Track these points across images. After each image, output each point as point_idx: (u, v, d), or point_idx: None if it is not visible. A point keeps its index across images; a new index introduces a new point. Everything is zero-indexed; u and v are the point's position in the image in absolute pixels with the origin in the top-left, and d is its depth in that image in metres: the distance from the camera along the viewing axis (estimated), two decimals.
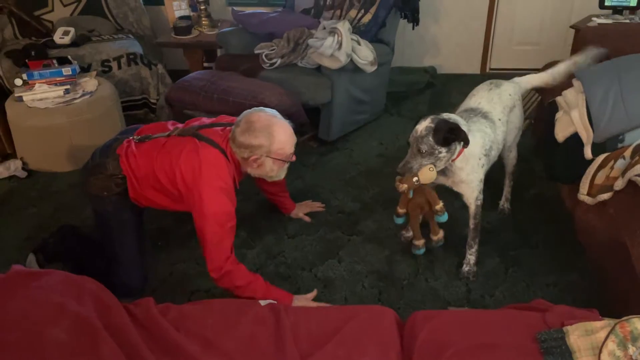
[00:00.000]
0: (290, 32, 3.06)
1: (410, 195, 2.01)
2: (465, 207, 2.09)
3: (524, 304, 1.58)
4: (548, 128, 2.21)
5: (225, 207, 1.81)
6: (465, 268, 2.13)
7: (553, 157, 2.20)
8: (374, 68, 2.97)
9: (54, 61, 3.08)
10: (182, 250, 2.31)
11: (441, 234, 2.14)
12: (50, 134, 2.84)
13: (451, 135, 1.77)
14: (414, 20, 3.34)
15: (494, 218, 2.45)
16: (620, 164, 1.77)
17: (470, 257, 2.12)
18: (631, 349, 1.18)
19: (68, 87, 2.93)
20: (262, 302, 1.55)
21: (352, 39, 2.86)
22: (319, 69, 2.95)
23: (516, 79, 2.24)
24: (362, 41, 2.94)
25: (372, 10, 3.17)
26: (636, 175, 1.65)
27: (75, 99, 2.90)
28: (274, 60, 3.02)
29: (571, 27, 3.32)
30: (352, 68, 2.91)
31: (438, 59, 4.11)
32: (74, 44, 3.34)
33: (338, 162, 2.97)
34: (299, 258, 2.26)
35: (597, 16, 3.25)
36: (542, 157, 2.59)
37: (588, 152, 1.97)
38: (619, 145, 1.92)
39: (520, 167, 2.47)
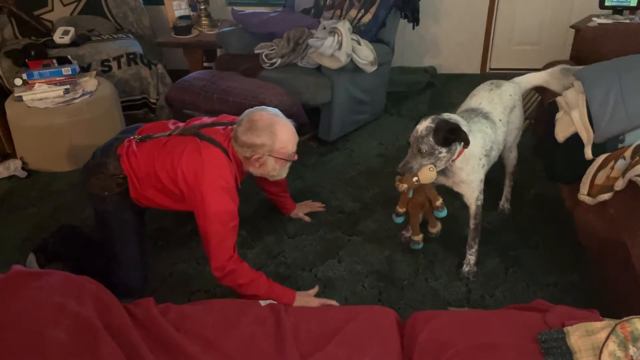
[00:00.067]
0: (290, 32, 3.06)
1: (410, 195, 2.01)
2: (465, 207, 2.09)
3: (524, 304, 1.58)
4: (548, 128, 2.21)
5: (227, 206, 1.81)
6: (466, 268, 2.13)
7: (553, 157, 2.19)
8: (374, 68, 2.97)
9: (54, 61, 3.08)
10: (183, 250, 2.31)
11: (439, 226, 2.17)
12: (50, 133, 2.84)
13: (451, 136, 1.77)
14: (414, 20, 3.34)
15: (494, 218, 2.45)
16: (620, 164, 1.77)
17: (471, 257, 2.12)
18: (632, 350, 1.18)
19: (68, 86, 2.93)
20: (263, 303, 1.55)
21: (352, 39, 2.86)
22: (319, 68, 2.95)
23: (516, 79, 2.24)
24: (362, 41, 2.94)
25: (372, 10, 3.17)
26: (636, 176, 1.65)
27: (75, 98, 2.90)
28: (274, 60, 3.01)
29: (571, 27, 3.32)
30: (352, 68, 2.91)
31: (438, 59, 4.11)
32: (74, 43, 3.34)
33: (338, 162, 2.97)
34: (299, 258, 2.26)
35: (597, 16, 3.25)
36: (542, 157, 2.59)
37: (588, 153, 1.97)
38: (620, 145, 1.92)
39: (520, 167, 2.47)
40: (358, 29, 3.16)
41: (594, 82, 1.99)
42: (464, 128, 1.81)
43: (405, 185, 1.89)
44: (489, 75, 3.98)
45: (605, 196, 1.78)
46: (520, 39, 3.99)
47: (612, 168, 1.80)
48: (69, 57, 3.14)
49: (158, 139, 1.93)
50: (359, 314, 1.47)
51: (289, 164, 1.95)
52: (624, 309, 1.50)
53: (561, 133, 2.10)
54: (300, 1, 3.46)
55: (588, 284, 2.05)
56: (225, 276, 1.81)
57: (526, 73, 2.30)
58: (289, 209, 2.47)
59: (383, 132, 3.26)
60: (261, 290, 1.83)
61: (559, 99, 2.20)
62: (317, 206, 2.53)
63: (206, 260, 2.22)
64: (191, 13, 3.79)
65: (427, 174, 1.85)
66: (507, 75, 2.30)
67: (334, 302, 1.94)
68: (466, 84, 3.58)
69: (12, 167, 2.89)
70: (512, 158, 2.35)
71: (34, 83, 2.93)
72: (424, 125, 1.79)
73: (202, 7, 3.71)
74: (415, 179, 1.85)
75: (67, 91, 2.92)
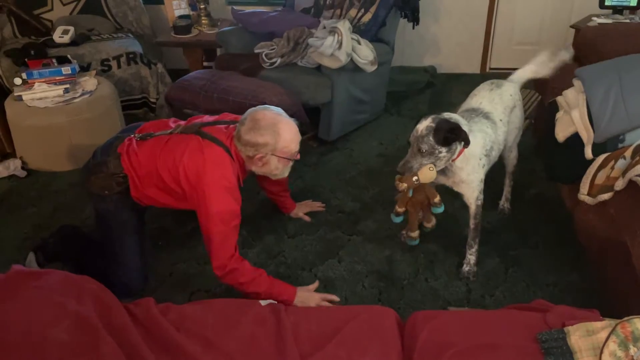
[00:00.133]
0: (290, 32, 3.06)
1: (410, 194, 2.01)
2: (465, 207, 2.09)
3: (524, 304, 1.58)
4: (548, 128, 2.21)
5: (229, 205, 1.81)
6: (466, 268, 2.13)
7: (553, 157, 2.19)
8: (374, 67, 2.97)
9: (54, 60, 3.07)
10: (183, 250, 2.31)
11: (434, 221, 2.17)
12: (49, 133, 2.84)
13: (452, 135, 1.77)
14: (414, 19, 3.34)
15: (494, 218, 2.45)
16: (620, 164, 1.77)
17: (471, 257, 2.12)
18: (632, 350, 1.18)
19: (67, 86, 2.93)
20: (263, 302, 1.55)
21: (352, 39, 2.86)
22: (319, 68, 2.95)
23: (512, 78, 2.24)
24: (362, 40, 2.94)
25: (372, 9, 3.17)
26: (637, 176, 1.65)
27: (74, 98, 2.90)
28: (274, 60, 3.01)
29: (571, 26, 3.33)
30: (352, 67, 2.91)
31: (438, 59, 4.11)
32: (74, 43, 3.34)
33: (338, 161, 2.97)
34: (299, 258, 2.26)
35: (597, 16, 3.25)
36: (542, 157, 2.59)
37: (588, 152, 1.96)
38: (620, 145, 1.92)
39: (520, 167, 2.47)
40: (358, 29, 3.16)
41: (594, 82, 1.99)
42: (464, 128, 1.81)
43: (405, 185, 1.89)
44: (488, 74, 3.98)
45: (605, 196, 1.78)
46: (520, 38, 3.99)
47: (612, 168, 1.80)
48: (68, 56, 3.14)
49: (159, 137, 1.93)
50: (359, 313, 1.47)
51: (291, 163, 1.95)
52: (624, 309, 1.50)
53: (561, 133, 2.09)
54: (300, 0, 3.45)
55: (588, 284, 2.05)
56: (227, 275, 1.82)
57: None
58: (289, 208, 2.47)
59: (383, 132, 3.26)
60: (262, 288, 1.83)
61: (559, 99, 2.20)
62: (317, 206, 2.53)
63: (206, 259, 2.22)
64: (191, 12, 3.79)
65: (427, 174, 1.84)
66: (507, 75, 2.29)
67: (334, 297, 1.95)
68: (466, 83, 3.58)
69: (12, 166, 2.89)
70: (512, 158, 2.35)
71: (34, 82, 2.93)
72: (425, 124, 1.79)
73: (202, 6, 3.70)
74: (415, 178, 1.85)
75: (66, 90, 2.92)
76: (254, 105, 1.94)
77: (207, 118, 2.01)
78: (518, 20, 3.92)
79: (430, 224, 2.18)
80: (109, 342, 1.26)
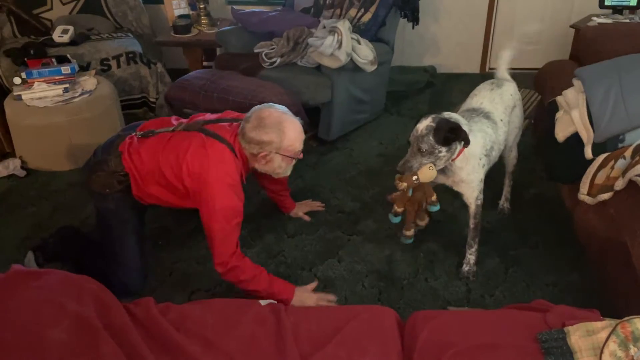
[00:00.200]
0: (290, 31, 3.05)
1: (410, 193, 2.01)
2: (465, 206, 2.09)
3: (524, 304, 1.58)
4: (548, 128, 2.20)
5: (232, 203, 1.81)
6: (465, 268, 2.13)
7: (553, 157, 2.19)
8: (374, 67, 2.97)
9: (53, 60, 3.07)
10: (183, 250, 2.31)
11: (427, 219, 2.17)
12: (49, 132, 2.84)
13: (452, 135, 1.77)
14: (414, 19, 3.34)
15: (493, 218, 2.45)
16: (620, 164, 1.77)
17: (470, 256, 2.12)
18: (633, 350, 1.17)
19: (67, 85, 2.93)
20: (263, 302, 1.55)
21: (352, 38, 2.86)
22: (318, 68, 2.95)
23: (506, 76, 2.24)
24: (362, 40, 2.94)
25: (372, 9, 3.17)
26: (637, 175, 1.65)
27: (74, 97, 2.89)
28: (273, 59, 3.01)
29: (571, 26, 3.33)
30: (352, 67, 2.90)
31: (438, 58, 4.10)
32: (73, 42, 3.34)
33: (338, 161, 2.97)
34: (299, 258, 2.26)
35: (597, 16, 3.26)
36: (542, 157, 2.59)
37: (588, 152, 1.96)
38: (620, 145, 1.92)
39: (520, 166, 2.47)
40: (358, 28, 3.16)
41: (594, 82, 1.99)
42: (464, 127, 1.81)
43: (405, 184, 1.89)
44: (488, 74, 3.97)
45: (605, 196, 1.78)
46: (519, 38, 3.98)
47: (612, 168, 1.80)
48: (68, 56, 3.13)
49: (162, 134, 1.92)
50: (359, 313, 1.47)
51: (294, 162, 1.95)
52: (624, 308, 1.51)
53: (561, 133, 2.09)
54: (300, 0, 3.45)
55: (588, 284, 2.05)
56: (228, 272, 1.82)
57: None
58: (289, 207, 2.47)
59: (383, 132, 3.26)
60: (262, 286, 1.84)
61: (558, 99, 2.20)
62: (317, 205, 2.53)
63: (206, 259, 2.23)
64: (191, 12, 3.79)
65: (426, 173, 1.84)
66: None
67: (332, 297, 1.95)
68: (466, 83, 3.59)
69: (11, 166, 2.89)
70: (512, 158, 2.35)
71: (33, 82, 2.93)
72: (425, 124, 1.79)
73: (201, 6, 3.70)
74: (415, 177, 1.85)
75: (66, 90, 2.92)
76: (254, 105, 1.94)
77: (210, 116, 2.00)
78: (518, 20, 3.92)
79: (424, 222, 2.18)
80: (108, 342, 1.26)
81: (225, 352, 1.35)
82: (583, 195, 1.88)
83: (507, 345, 1.31)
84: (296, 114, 2.61)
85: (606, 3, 3.20)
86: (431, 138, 1.77)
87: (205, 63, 3.80)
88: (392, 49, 3.29)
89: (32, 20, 3.49)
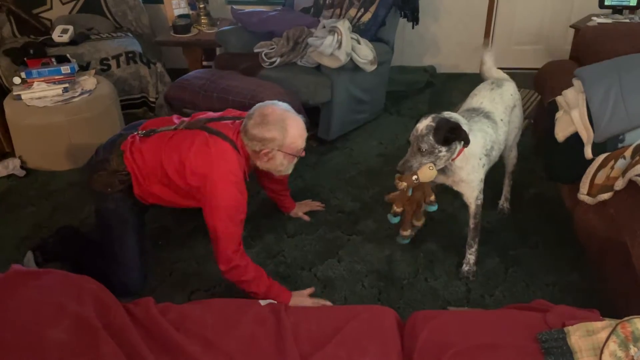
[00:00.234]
0: (289, 31, 3.05)
1: (410, 193, 2.01)
2: (465, 206, 2.09)
3: (524, 304, 1.58)
4: (548, 128, 2.20)
5: (236, 199, 1.81)
6: (465, 267, 2.13)
7: (553, 157, 2.19)
8: (374, 67, 2.97)
9: (53, 59, 3.07)
10: (182, 250, 2.31)
11: (423, 219, 2.16)
12: (48, 132, 2.83)
13: (452, 135, 1.77)
14: (414, 19, 3.34)
15: (493, 218, 2.45)
16: (620, 163, 1.77)
17: (470, 256, 2.12)
18: (633, 350, 1.17)
19: (67, 85, 2.92)
20: (262, 302, 1.55)
21: (351, 38, 2.86)
22: (318, 68, 2.94)
23: (502, 75, 2.24)
24: (361, 40, 2.94)
25: (372, 9, 3.17)
26: (636, 175, 1.65)
27: (74, 97, 2.89)
28: (273, 59, 3.01)
29: (571, 26, 3.33)
30: (352, 67, 2.90)
31: (438, 58, 4.10)
32: (73, 42, 3.33)
33: (338, 161, 2.97)
34: (299, 257, 2.26)
35: (597, 16, 3.25)
36: (542, 157, 2.59)
37: (588, 152, 1.96)
38: (620, 145, 1.91)
39: (520, 166, 2.47)
40: (358, 28, 3.15)
41: (594, 82, 1.99)
42: (464, 127, 1.81)
43: (404, 184, 1.88)
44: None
45: (605, 196, 1.78)
46: (520, 38, 3.99)
47: (612, 168, 1.80)
48: (67, 55, 3.13)
49: (164, 133, 1.92)
50: (359, 313, 1.47)
51: (295, 160, 1.95)
52: (624, 308, 1.50)
53: (561, 132, 2.09)
54: (299, 0, 3.45)
55: (588, 284, 2.05)
56: (231, 270, 1.82)
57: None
58: (289, 207, 2.46)
59: (383, 132, 3.26)
60: (262, 289, 1.84)
61: (558, 99, 2.20)
62: (317, 205, 2.53)
63: (206, 259, 2.23)
64: (190, 12, 3.78)
65: (426, 173, 1.84)
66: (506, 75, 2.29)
67: (327, 303, 1.94)
68: (466, 83, 3.59)
69: (11, 166, 2.88)
70: (512, 157, 2.35)
71: (33, 82, 2.92)
72: (425, 124, 1.79)
73: (201, 5, 3.70)
74: (414, 177, 1.85)
75: (66, 90, 2.91)
76: (254, 105, 1.94)
77: (212, 114, 2.00)
78: (518, 20, 3.92)
79: (420, 222, 2.16)
80: (108, 342, 1.26)
81: (225, 352, 1.34)
82: (583, 195, 1.88)
83: (507, 345, 1.31)
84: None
85: (606, 3, 3.20)
86: (431, 138, 1.77)
87: (205, 63, 3.80)
88: (392, 49, 3.29)
89: (32, 19, 3.49)
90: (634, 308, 1.51)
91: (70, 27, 3.38)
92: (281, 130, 1.82)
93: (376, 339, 1.39)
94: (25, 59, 3.08)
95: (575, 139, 2.03)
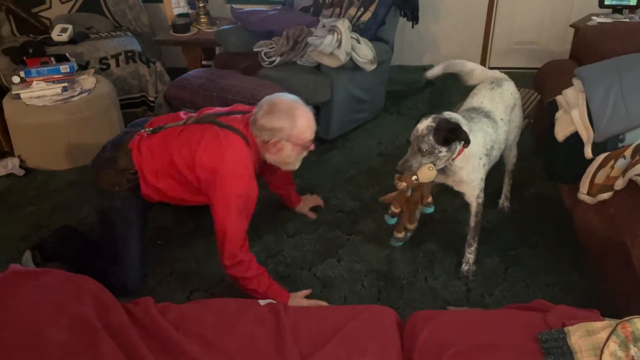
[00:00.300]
0: (289, 30, 3.05)
1: (409, 193, 2.00)
2: (464, 206, 2.09)
3: (524, 304, 1.58)
4: (548, 127, 2.20)
5: (246, 193, 1.81)
6: (465, 267, 2.12)
7: (553, 157, 2.19)
8: (374, 66, 2.96)
9: (52, 59, 3.06)
10: (182, 250, 2.30)
11: (416, 223, 2.14)
12: (48, 131, 2.83)
13: (452, 135, 1.77)
14: (414, 18, 3.33)
15: (493, 217, 2.45)
16: (620, 163, 1.77)
17: (470, 255, 2.12)
18: (633, 350, 1.17)
19: (66, 84, 2.92)
20: (262, 302, 1.54)
21: (351, 37, 2.86)
22: (318, 67, 2.94)
23: (499, 75, 2.24)
24: (361, 39, 2.93)
25: (372, 8, 3.16)
26: (637, 175, 1.64)
27: (73, 96, 2.89)
28: (273, 59, 3.00)
29: (571, 26, 3.32)
30: (352, 66, 2.90)
31: (437, 58, 4.09)
32: (72, 41, 3.32)
33: (337, 160, 2.97)
34: (298, 257, 2.25)
35: (597, 15, 3.25)
36: (541, 156, 2.59)
37: (588, 152, 1.96)
38: (620, 144, 1.91)
39: (520, 166, 2.47)
40: (357, 27, 3.15)
41: (594, 81, 1.99)
42: (465, 127, 1.80)
43: (404, 184, 1.88)
44: None
45: (605, 195, 1.78)
46: (519, 38, 3.99)
47: (612, 167, 1.80)
48: (67, 54, 3.12)
49: (172, 128, 1.91)
50: (359, 313, 1.47)
51: (304, 154, 1.95)
52: (624, 308, 1.50)
53: (561, 132, 2.09)
54: None
55: (588, 284, 2.05)
56: (235, 265, 1.81)
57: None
58: (295, 202, 2.45)
59: (382, 131, 3.26)
60: (262, 288, 1.84)
61: (558, 98, 2.20)
62: (319, 199, 2.52)
63: (205, 259, 2.22)
64: (190, 11, 3.78)
65: (426, 173, 1.84)
66: (506, 74, 2.29)
67: (324, 304, 1.94)
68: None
69: (10, 165, 2.88)
70: (511, 157, 2.35)
71: (32, 81, 2.92)
72: (425, 124, 1.79)
73: (200, 5, 3.69)
74: (414, 177, 1.84)
75: (65, 89, 2.91)
76: (253, 104, 1.94)
77: (220, 109, 2.00)
78: (518, 20, 3.92)
79: (413, 225, 2.13)
80: (108, 342, 1.26)
81: (225, 352, 1.34)
82: (583, 194, 1.87)
83: (507, 345, 1.31)
84: None
85: (606, 2, 3.20)
86: (431, 138, 1.77)
87: (204, 62, 3.79)
88: (391, 48, 3.29)
89: (31, 19, 3.48)
90: (634, 308, 1.51)
91: (70, 26, 3.37)
92: (290, 120, 1.82)
93: (376, 338, 1.39)
94: (24, 58, 3.07)
95: (575, 139, 2.03)
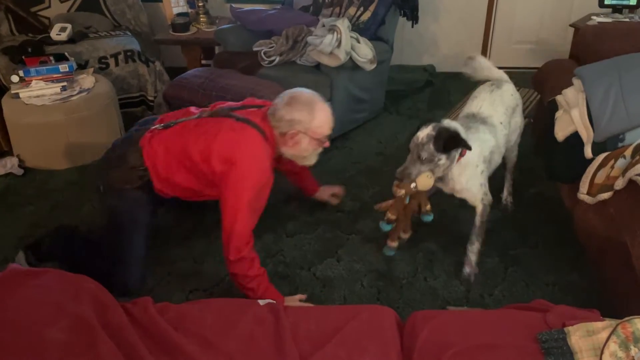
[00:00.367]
0: (289, 30, 3.04)
1: (407, 201, 2.00)
2: (464, 206, 2.08)
3: (524, 304, 1.58)
4: (548, 127, 2.20)
5: (260, 187, 1.80)
6: (467, 270, 2.08)
7: (553, 157, 2.19)
8: (373, 66, 2.96)
9: (51, 58, 3.06)
10: (181, 249, 2.30)
11: (410, 232, 2.15)
12: (47, 131, 2.82)
13: (451, 143, 1.78)
14: (413, 18, 3.33)
15: (493, 217, 2.43)
16: (620, 163, 1.77)
17: (472, 255, 2.07)
18: (633, 350, 1.17)
19: (65, 84, 2.91)
20: (261, 302, 1.54)
21: (351, 37, 2.85)
22: (318, 66, 2.94)
23: (503, 76, 2.23)
24: (361, 39, 2.93)
25: (372, 7, 3.16)
26: (637, 175, 1.64)
27: (72, 96, 2.88)
28: (272, 58, 3.00)
29: (571, 25, 3.32)
30: (351, 66, 2.90)
31: (437, 57, 4.10)
32: (71, 40, 3.32)
33: (337, 160, 2.96)
34: (298, 257, 2.25)
35: (597, 15, 3.25)
36: (541, 156, 2.59)
37: (588, 152, 1.96)
38: (620, 144, 1.91)
39: (519, 165, 2.46)
40: (357, 27, 3.15)
41: (594, 81, 1.99)
42: (463, 136, 1.81)
43: (403, 191, 1.88)
44: None
45: (605, 195, 1.77)
46: (519, 37, 3.98)
47: (612, 167, 1.80)
48: (66, 54, 3.12)
49: (186, 122, 1.91)
50: (358, 313, 1.46)
51: (319, 150, 1.95)
52: (624, 308, 1.50)
53: (561, 132, 2.09)
54: None
55: (588, 284, 2.04)
56: (239, 261, 1.80)
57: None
58: (313, 190, 2.45)
59: (382, 131, 3.25)
60: (260, 288, 1.83)
61: (558, 98, 2.20)
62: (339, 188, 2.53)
63: (205, 259, 2.22)
64: (189, 10, 3.77)
65: (424, 181, 1.85)
66: (506, 74, 2.29)
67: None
68: (465, 82, 3.56)
69: (9, 164, 2.87)
70: (512, 157, 2.36)
71: (31, 80, 2.91)
72: (425, 132, 1.79)
73: (200, 4, 3.69)
74: (413, 185, 1.85)
75: (64, 88, 2.90)
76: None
77: (233, 103, 2.00)
78: (517, 19, 3.92)
79: (407, 235, 2.14)
80: (106, 341, 1.25)
81: (224, 352, 1.34)
82: (583, 194, 1.87)
83: (507, 345, 1.30)
84: None
85: (606, 2, 3.20)
86: (431, 146, 1.78)
87: (203, 61, 3.79)
88: (391, 48, 3.29)
89: (30, 18, 3.48)
90: (634, 308, 1.51)
91: (69, 26, 3.36)
92: (309, 112, 1.83)
93: (376, 338, 1.39)
94: (23, 57, 3.07)
95: (575, 139, 2.02)
